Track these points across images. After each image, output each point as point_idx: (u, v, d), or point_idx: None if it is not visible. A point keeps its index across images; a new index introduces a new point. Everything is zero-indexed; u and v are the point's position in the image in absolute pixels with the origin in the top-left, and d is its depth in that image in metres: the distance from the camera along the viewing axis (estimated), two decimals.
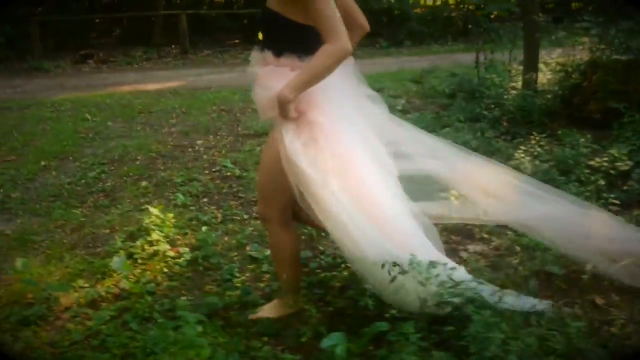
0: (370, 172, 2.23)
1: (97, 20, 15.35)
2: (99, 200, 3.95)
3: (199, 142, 5.32)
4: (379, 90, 7.51)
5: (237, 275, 2.77)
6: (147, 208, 3.43)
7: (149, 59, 12.35)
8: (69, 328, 2.34)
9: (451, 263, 2.24)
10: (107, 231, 3.37)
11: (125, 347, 2.17)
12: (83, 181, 4.31)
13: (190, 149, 5.10)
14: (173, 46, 13.92)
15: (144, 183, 4.21)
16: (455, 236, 3.17)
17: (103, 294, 2.59)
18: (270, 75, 2.14)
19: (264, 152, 2.36)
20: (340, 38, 2.01)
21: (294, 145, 2.09)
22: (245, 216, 3.55)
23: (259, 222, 3.24)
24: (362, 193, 2.16)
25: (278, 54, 2.14)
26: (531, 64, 5.47)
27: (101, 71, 11.10)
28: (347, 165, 2.15)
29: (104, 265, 2.85)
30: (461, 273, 2.22)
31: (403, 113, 6.04)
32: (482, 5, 6.96)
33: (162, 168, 4.56)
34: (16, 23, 11.64)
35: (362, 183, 2.19)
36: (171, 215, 3.36)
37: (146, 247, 3.00)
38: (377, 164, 2.26)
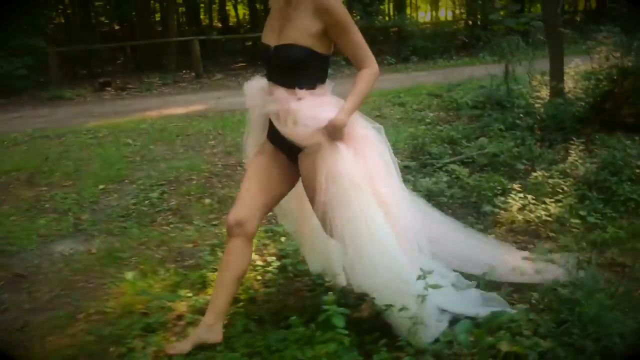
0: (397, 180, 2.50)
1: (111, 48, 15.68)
2: (168, 218, 4.16)
3: (245, 161, 5.52)
4: (402, 104, 7.84)
5: (327, 280, 2.97)
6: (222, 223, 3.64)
7: (166, 84, 12.61)
8: (190, 333, 2.53)
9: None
10: (191, 245, 3.58)
11: (251, 346, 2.36)
12: (147, 201, 4.51)
13: (239, 168, 5.30)
14: (185, 71, 14.23)
15: (207, 200, 4.42)
16: (522, 236, 3.39)
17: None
18: (312, 108, 2.30)
19: (269, 170, 2.49)
20: (374, 61, 2.35)
21: (348, 156, 2.31)
22: None
23: None
24: (395, 200, 2.42)
25: (312, 87, 2.33)
26: (557, 74, 5.73)
27: (122, 98, 11.33)
28: (386, 174, 2.43)
29: (201, 276, 3.05)
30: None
31: (432, 125, 6.29)
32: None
33: (219, 186, 4.78)
34: (35, 54, 11.91)
35: (397, 189, 2.47)
36: None
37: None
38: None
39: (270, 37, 2.37)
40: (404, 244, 2.38)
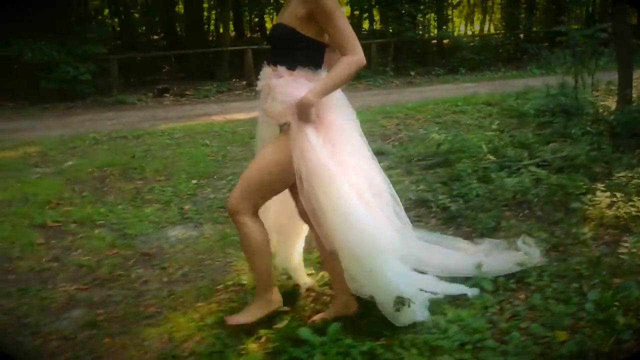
0: (373, 169, 2.57)
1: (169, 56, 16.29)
2: None
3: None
4: (463, 112, 8.06)
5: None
6: None
7: (220, 92, 13.06)
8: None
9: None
10: None
11: None
12: None
13: None
14: (235, 79, 14.69)
15: None
16: (613, 230, 3.59)
17: None
18: (288, 85, 2.38)
19: (264, 152, 2.54)
20: (358, 51, 2.34)
21: (315, 142, 2.35)
22: None
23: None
24: (366, 188, 2.45)
25: (292, 67, 2.40)
26: (626, 82, 5.91)
27: (182, 104, 11.79)
28: (358, 161, 2.48)
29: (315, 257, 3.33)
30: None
31: (500, 132, 6.50)
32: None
33: None
34: (97, 61, 12.47)
35: (369, 178, 2.50)
36: None
37: None
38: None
39: (276, 20, 2.54)
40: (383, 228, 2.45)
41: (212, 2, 20.06)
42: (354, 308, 2.66)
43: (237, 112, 9.76)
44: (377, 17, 20.11)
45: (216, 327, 2.63)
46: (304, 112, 2.32)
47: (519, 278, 2.97)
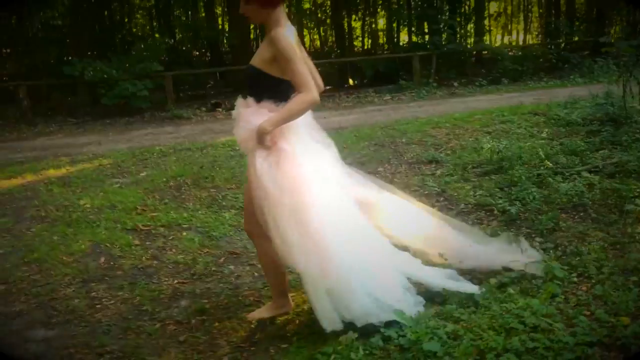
0: (320, 193, 2.78)
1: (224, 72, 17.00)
2: None
3: (380, 169, 6.19)
4: (509, 122, 8.30)
5: None
6: None
7: None
8: None
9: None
10: None
11: None
12: None
13: (377, 175, 5.94)
14: None
15: None
16: None
17: None
18: (252, 115, 2.76)
19: (249, 176, 2.87)
20: (311, 90, 2.67)
21: (262, 166, 2.70)
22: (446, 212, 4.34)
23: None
24: (306, 210, 2.71)
25: (259, 100, 2.77)
26: None
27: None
28: (298, 185, 2.72)
29: None
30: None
31: (550, 140, 6.73)
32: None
33: None
34: (153, 77, 13.14)
35: (310, 203, 2.73)
36: None
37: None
38: (334, 186, 2.89)
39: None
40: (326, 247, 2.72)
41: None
42: (289, 308, 3.03)
43: None
44: (414, 28, 20.47)
45: (311, 312, 3.00)
46: (260, 138, 2.68)
47: (579, 272, 3.26)
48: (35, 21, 11.98)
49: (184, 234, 4.56)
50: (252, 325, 3.01)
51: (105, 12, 16.66)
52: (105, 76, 12.18)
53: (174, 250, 4.23)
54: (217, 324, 3.06)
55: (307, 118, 2.89)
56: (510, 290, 3.10)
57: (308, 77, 2.71)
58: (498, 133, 7.51)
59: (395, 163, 6.42)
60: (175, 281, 3.68)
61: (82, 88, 13.55)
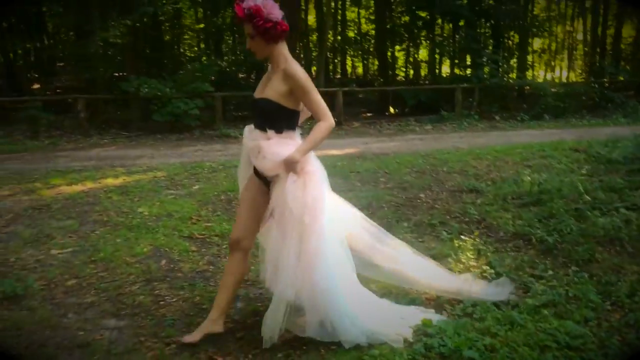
0: (334, 211, 3.11)
1: None
2: None
3: (421, 195, 6.43)
4: (550, 157, 8.45)
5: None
6: (440, 235, 4.52)
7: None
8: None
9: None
10: None
11: None
12: None
13: (418, 200, 6.20)
14: None
15: (405, 223, 5.32)
16: None
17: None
18: (277, 145, 3.00)
19: (253, 197, 3.18)
20: (330, 117, 3.01)
21: (291, 188, 2.93)
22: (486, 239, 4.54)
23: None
24: (318, 228, 2.94)
25: (279, 131, 3.03)
26: None
27: None
28: (319, 205, 2.96)
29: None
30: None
31: (589, 176, 6.87)
32: None
33: (410, 213, 5.67)
34: (203, 97, 13.70)
35: (323, 221, 2.97)
36: (457, 243, 4.44)
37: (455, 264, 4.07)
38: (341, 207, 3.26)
39: (258, 92, 3.12)
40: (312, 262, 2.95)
41: (302, 45, 21.34)
42: (221, 328, 3.19)
43: (331, 148, 10.54)
44: (456, 61, 20.74)
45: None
46: (292, 166, 2.94)
47: (613, 301, 3.45)
48: (96, 39, 12.66)
49: (225, 247, 4.87)
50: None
51: (159, 34, 17.50)
52: (159, 93, 12.77)
53: (227, 257, 4.54)
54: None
55: None
56: (545, 312, 3.30)
57: (325, 105, 3.02)
58: (538, 167, 7.68)
59: (436, 190, 6.65)
60: (215, 287, 3.98)
61: (135, 103, 14.19)
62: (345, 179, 7.46)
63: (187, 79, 13.70)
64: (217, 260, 4.51)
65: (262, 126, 3.07)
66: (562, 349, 2.87)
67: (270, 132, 3.04)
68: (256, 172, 3.18)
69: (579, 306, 3.36)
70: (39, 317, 3.51)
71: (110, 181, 7.56)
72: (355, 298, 3.13)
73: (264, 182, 3.15)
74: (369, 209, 5.86)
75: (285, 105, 3.02)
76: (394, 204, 6.07)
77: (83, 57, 14.19)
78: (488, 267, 4.05)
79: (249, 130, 3.23)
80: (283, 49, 3.05)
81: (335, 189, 6.67)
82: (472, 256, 4.28)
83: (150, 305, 3.68)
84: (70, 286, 4.04)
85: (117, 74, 16.43)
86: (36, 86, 22.49)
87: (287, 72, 2.97)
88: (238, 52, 19.43)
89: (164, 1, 15.71)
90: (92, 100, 13.81)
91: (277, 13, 2.95)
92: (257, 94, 3.12)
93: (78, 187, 7.23)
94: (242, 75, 20.79)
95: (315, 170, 3.05)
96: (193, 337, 3.12)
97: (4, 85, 18.08)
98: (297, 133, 3.15)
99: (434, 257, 4.26)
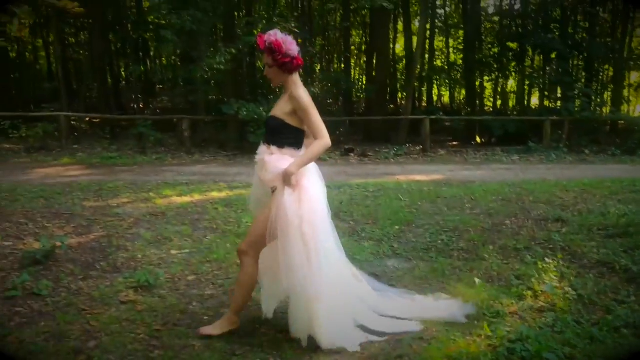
0: (327, 223, 3.39)
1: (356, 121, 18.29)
2: (462, 255, 5.41)
3: (506, 222, 6.66)
4: (637, 191, 8.38)
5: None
6: (524, 258, 4.80)
7: (398, 155, 14.39)
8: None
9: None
10: (495, 273, 4.77)
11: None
12: (440, 241, 5.83)
13: (503, 226, 6.45)
14: (409, 145, 15.96)
15: (491, 246, 5.61)
16: None
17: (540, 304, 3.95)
18: (277, 160, 3.31)
19: (263, 211, 3.42)
20: (326, 136, 3.30)
21: (288, 200, 3.22)
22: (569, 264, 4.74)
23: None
24: (317, 238, 3.26)
25: (281, 146, 3.35)
26: None
27: (365, 163, 13.27)
28: (315, 217, 3.26)
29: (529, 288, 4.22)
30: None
31: None
32: None
33: (495, 237, 5.94)
34: None
35: (321, 232, 3.30)
36: (541, 265, 4.71)
37: (538, 284, 4.34)
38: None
39: (271, 113, 3.46)
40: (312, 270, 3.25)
41: (391, 72, 21.95)
42: (237, 326, 3.54)
43: (418, 174, 10.93)
44: (547, 93, 20.50)
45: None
46: (287, 178, 3.24)
47: None
48: (202, 65, 13.76)
49: None
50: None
51: (255, 60, 18.60)
52: (256, 117, 13.64)
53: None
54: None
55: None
56: (626, 331, 3.53)
57: (323, 126, 3.33)
58: (627, 200, 7.69)
59: (522, 218, 6.86)
60: None
61: (232, 125, 15.17)
62: (432, 203, 7.80)
63: None
64: None
65: (268, 141, 3.43)
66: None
67: (273, 147, 3.39)
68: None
69: None
70: (169, 303, 4.13)
71: (215, 194, 8.32)
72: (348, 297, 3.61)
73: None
74: (455, 231, 6.19)
75: (289, 123, 3.35)
76: (479, 228, 6.35)
77: (189, 81, 15.42)
78: (570, 289, 4.29)
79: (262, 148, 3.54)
80: (295, 77, 3.40)
81: (423, 212, 7.10)
82: (555, 278, 4.52)
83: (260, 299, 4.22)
84: (191, 280, 4.66)
85: (215, 97, 17.63)
86: (140, 106, 24.42)
87: (292, 94, 3.34)
88: (331, 79, 20.20)
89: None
90: (195, 120, 14.95)
91: (294, 49, 3.32)
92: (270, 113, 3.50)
93: (187, 199, 8.02)
94: (329, 101, 21.63)
95: (310, 184, 3.36)
96: (211, 329, 3.49)
97: (111, 104, 19.79)
98: (299, 152, 3.42)
99: (518, 278, 4.59)
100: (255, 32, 15.09)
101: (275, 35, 3.32)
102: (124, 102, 23.78)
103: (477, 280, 4.43)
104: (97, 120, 18.23)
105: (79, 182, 9.30)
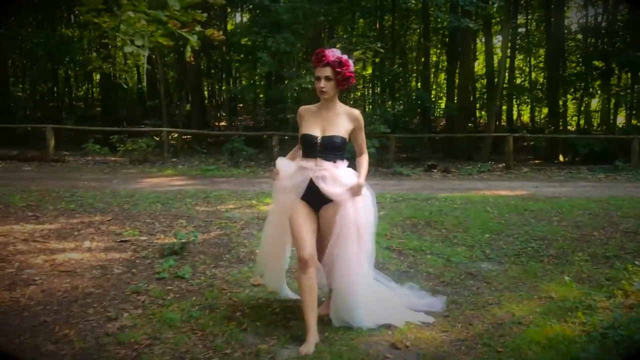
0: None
1: (437, 138, 18.76)
2: (551, 261, 5.76)
3: (594, 233, 6.92)
4: None
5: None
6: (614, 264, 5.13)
7: (481, 171, 14.65)
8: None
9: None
10: (586, 275, 5.13)
11: None
12: (529, 248, 6.20)
13: (591, 237, 6.72)
14: (491, 162, 16.17)
15: (580, 254, 5.92)
16: None
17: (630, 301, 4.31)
18: (345, 173, 3.66)
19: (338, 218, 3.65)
20: (366, 151, 3.95)
21: (353, 209, 3.60)
22: None
23: None
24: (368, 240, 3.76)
25: (335, 161, 3.66)
26: None
27: (448, 179, 13.65)
28: (369, 221, 3.73)
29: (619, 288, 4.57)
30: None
31: None
32: None
33: (584, 246, 6.25)
34: (379, 137, 15.06)
35: (371, 232, 3.78)
36: (631, 267, 5.02)
37: (628, 285, 4.67)
38: None
39: (315, 131, 3.68)
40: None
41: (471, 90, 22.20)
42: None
43: (502, 190, 11.21)
44: (634, 111, 20.03)
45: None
46: (359, 189, 3.64)
47: None
48: (292, 85, 14.66)
49: (428, 256, 5.87)
50: (492, 312, 4.16)
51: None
52: None
53: (423, 265, 5.56)
54: (468, 311, 4.25)
55: None
56: None
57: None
58: None
59: (610, 230, 7.09)
60: (430, 283, 4.97)
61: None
62: (520, 215, 8.13)
63: (366, 121, 15.15)
64: (415, 266, 5.53)
65: (330, 158, 3.68)
66: None
67: (339, 162, 3.71)
68: (306, 197, 3.71)
69: None
70: (293, 287, 4.78)
71: None
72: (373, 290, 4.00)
73: (313, 206, 3.74)
74: (544, 240, 6.54)
75: (347, 139, 3.76)
76: (568, 238, 6.66)
77: (272, 99, 16.38)
78: None
79: (288, 162, 3.86)
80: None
81: (511, 222, 7.45)
82: None
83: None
84: None
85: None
86: (222, 123, 25.86)
87: (355, 114, 3.77)
88: (411, 98, 20.73)
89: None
90: (282, 137, 15.87)
91: (353, 69, 3.69)
92: (317, 132, 3.69)
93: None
94: (406, 119, 22.10)
95: (369, 194, 3.79)
96: (308, 348, 3.53)
97: (198, 121, 21.16)
98: (346, 163, 3.79)
99: (608, 280, 4.93)
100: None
101: (339, 52, 3.68)
102: (209, 120, 25.31)
103: (567, 278, 4.81)
104: (187, 137, 19.56)
105: (187, 190, 10.27)
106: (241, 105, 28.86)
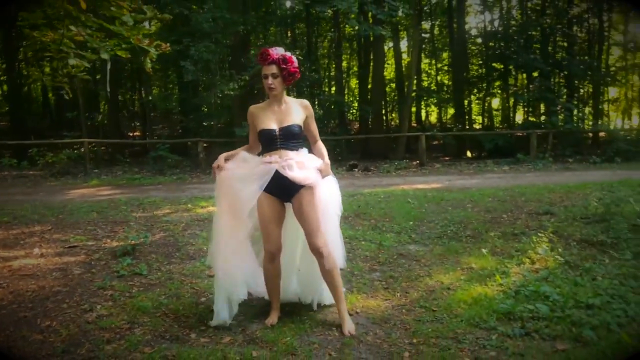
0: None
1: (352, 140, 19.61)
2: (469, 240, 6.55)
3: (504, 216, 7.85)
4: (616, 191, 9.62)
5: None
6: (521, 240, 5.97)
7: (398, 168, 15.62)
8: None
9: None
10: (499, 249, 5.93)
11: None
12: (449, 231, 6.98)
13: (501, 219, 7.62)
14: (406, 160, 17.22)
15: (492, 233, 6.76)
16: None
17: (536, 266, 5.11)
18: (308, 159, 3.80)
19: (313, 207, 3.74)
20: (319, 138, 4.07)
21: (322, 190, 3.79)
22: (557, 240, 5.90)
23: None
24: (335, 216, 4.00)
25: (296, 149, 3.77)
26: None
27: (369, 176, 14.47)
28: (334, 200, 3.97)
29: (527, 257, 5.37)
30: None
31: None
32: None
33: (496, 227, 7.11)
34: None
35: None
36: (535, 239, 5.88)
37: (534, 254, 5.50)
38: None
39: (272, 125, 3.76)
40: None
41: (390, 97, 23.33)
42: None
43: (419, 184, 12.14)
44: (530, 109, 21.94)
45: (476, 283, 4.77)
46: (328, 169, 3.88)
47: None
48: (215, 91, 14.97)
49: (363, 242, 6.49)
50: (429, 282, 4.82)
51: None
52: None
53: (360, 250, 6.17)
54: (404, 283, 4.89)
55: None
56: (600, 278, 4.67)
57: None
58: (605, 197, 8.89)
59: (516, 212, 8.05)
60: (368, 264, 5.58)
61: (241, 145, 16.32)
62: (437, 204, 8.97)
63: None
64: (352, 252, 6.12)
65: (293, 147, 3.80)
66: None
67: (301, 150, 3.84)
68: (270, 190, 3.76)
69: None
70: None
71: None
72: None
73: (280, 197, 3.83)
74: (461, 224, 7.36)
75: (303, 127, 3.89)
76: (481, 220, 7.53)
77: (190, 107, 16.56)
78: (559, 257, 5.44)
79: (249, 155, 3.94)
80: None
81: (431, 211, 8.24)
82: (547, 248, 5.68)
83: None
84: None
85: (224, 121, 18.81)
86: (137, 133, 25.58)
87: (305, 103, 3.92)
88: (330, 102, 21.51)
89: None
90: (209, 143, 16.14)
91: (297, 64, 3.81)
92: (273, 125, 3.77)
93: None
94: (325, 122, 22.80)
95: (334, 178, 4.02)
96: (270, 321, 3.99)
97: (113, 131, 20.89)
98: (306, 151, 3.92)
99: (517, 251, 5.75)
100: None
101: (282, 50, 3.80)
102: (123, 130, 24.94)
103: (484, 251, 5.60)
104: (104, 148, 19.26)
105: (118, 199, 10.37)
106: (153, 114, 28.59)
